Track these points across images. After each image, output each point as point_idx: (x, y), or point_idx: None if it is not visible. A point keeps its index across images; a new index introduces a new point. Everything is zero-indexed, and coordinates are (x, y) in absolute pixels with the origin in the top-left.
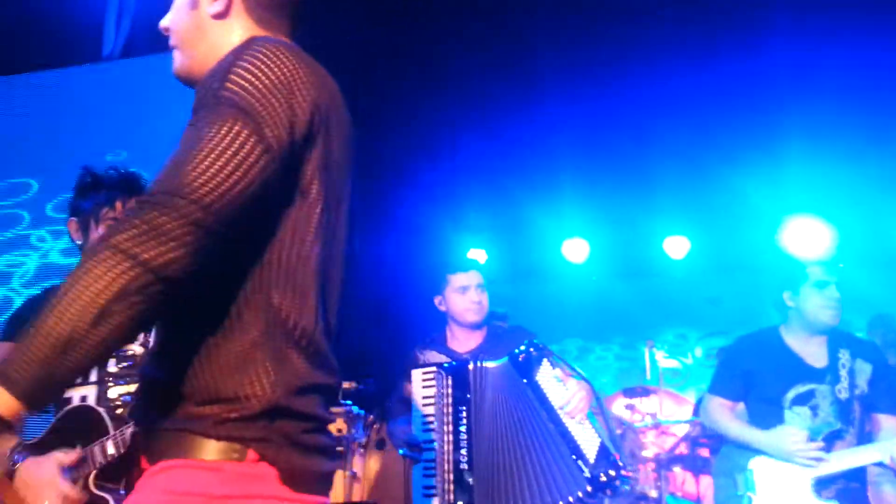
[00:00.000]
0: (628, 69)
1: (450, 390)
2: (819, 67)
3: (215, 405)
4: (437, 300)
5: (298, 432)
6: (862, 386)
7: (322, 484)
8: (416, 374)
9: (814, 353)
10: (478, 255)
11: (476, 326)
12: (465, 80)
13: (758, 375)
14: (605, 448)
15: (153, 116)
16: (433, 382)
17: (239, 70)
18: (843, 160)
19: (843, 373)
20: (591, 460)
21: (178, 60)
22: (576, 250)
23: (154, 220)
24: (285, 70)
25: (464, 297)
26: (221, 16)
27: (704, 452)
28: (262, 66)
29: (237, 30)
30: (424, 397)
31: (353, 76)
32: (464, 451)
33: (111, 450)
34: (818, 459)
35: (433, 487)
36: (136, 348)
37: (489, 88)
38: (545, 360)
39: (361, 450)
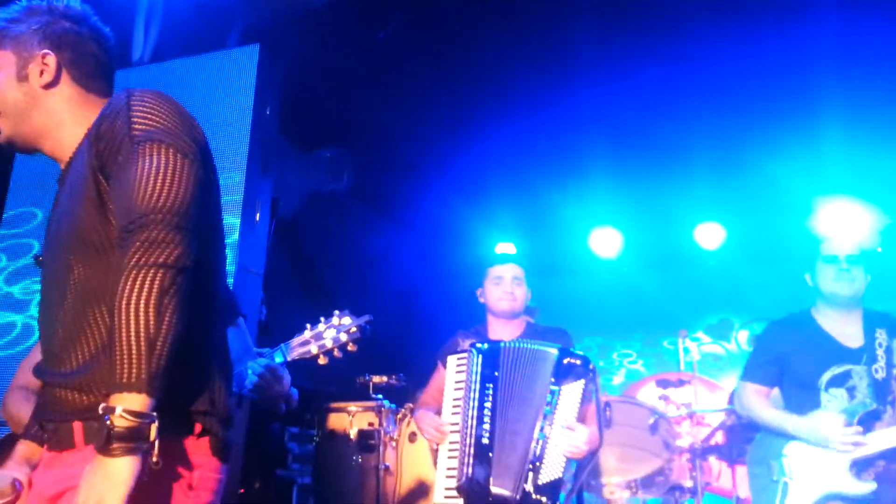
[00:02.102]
0: (658, 49)
1: (478, 368)
2: (854, 44)
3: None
4: (478, 292)
5: None
6: None
7: None
8: (452, 360)
9: (849, 333)
10: (507, 248)
11: (510, 317)
12: (488, 64)
13: (792, 359)
14: (557, 483)
15: None
16: (465, 366)
17: (137, 113)
18: (884, 141)
19: (881, 352)
20: (538, 482)
21: (7, 128)
22: (607, 241)
23: (148, 237)
24: (171, 103)
25: (497, 288)
26: (51, 85)
27: (739, 442)
28: (154, 104)
29: (67, 96)
30: (457, 381)
31: (377, 68)
32: (486, 426)
33: None
34: (857, 444)
35: (454, 469)
36: None
37: (512, 72)
38: (584, 382)
39: (393, 443)
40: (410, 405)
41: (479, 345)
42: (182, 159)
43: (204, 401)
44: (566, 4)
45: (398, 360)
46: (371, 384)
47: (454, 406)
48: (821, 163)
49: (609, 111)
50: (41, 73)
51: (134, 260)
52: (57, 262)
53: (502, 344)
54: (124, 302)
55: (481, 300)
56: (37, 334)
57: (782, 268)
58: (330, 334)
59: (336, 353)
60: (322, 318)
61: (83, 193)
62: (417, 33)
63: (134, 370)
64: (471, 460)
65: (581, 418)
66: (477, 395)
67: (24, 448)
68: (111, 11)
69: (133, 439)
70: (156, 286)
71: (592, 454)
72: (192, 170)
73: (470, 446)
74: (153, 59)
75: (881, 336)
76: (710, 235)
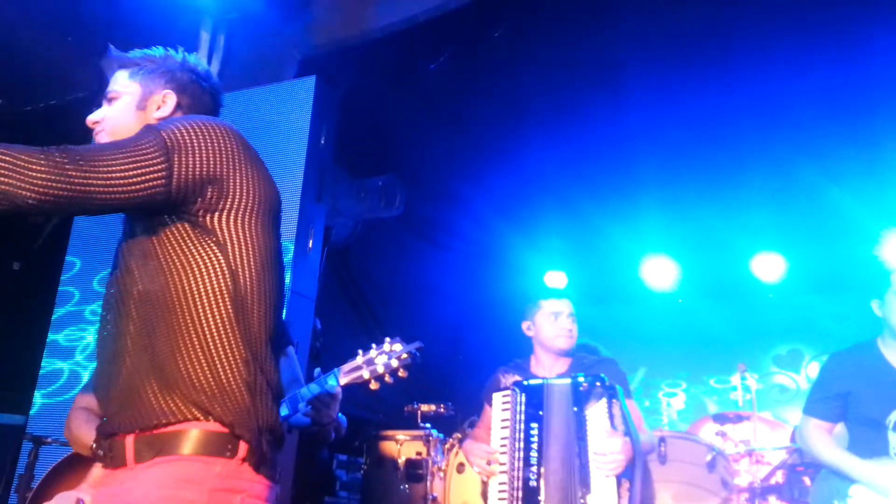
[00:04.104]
0: (713, 71)
1: (522, 408)
2: None
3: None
4: (525, 325)
5: None
6: None
7: None
8: (497, 398)
9: None
10: (557, 276)
11: (563, 354)
12: (537, 92)
13: (857, 396)
14: None
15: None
16: (510, 404)
17: (174, 123)
18: None
19: None
20: None
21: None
22: (660, 270)
23: (62, 163)
24: (212, 131)
25: (555, 324)
26: (169, 117)
27: (805, 481)
28: (193, 124)
29: None
30: (503, 420)
31: (428, 98)
32: (534, 469)
33: None
34: None
35: None
36: None
37: (561, 98)
38: (605, 399)
39: (441, 473)
40: (458, 435)
41: (523, 382)
42: (156, 155)
43: (251, 420)
44: (617, 29)
45: (446, 388)
46: (419, 413)
47: (501, 444)
48: (884, 188)
49: (662, 134)
50: (158, 107)
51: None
52: (120, 278)
53: (545, 382)
54: None
55: (529, 333)
56: (80, 384)
57: (854, 297)
58: (381, 360)
59: (387, 378)
60: (374, 345)
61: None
62: (467, 63)
63: None
64: None
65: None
66: (522, 435)
67: (97, 471)
68: (173, 44)
69: None
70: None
71: (632, 464)
72: (149, 167)
73: (518, 489)
74: None
75: None
76: (769, 266)
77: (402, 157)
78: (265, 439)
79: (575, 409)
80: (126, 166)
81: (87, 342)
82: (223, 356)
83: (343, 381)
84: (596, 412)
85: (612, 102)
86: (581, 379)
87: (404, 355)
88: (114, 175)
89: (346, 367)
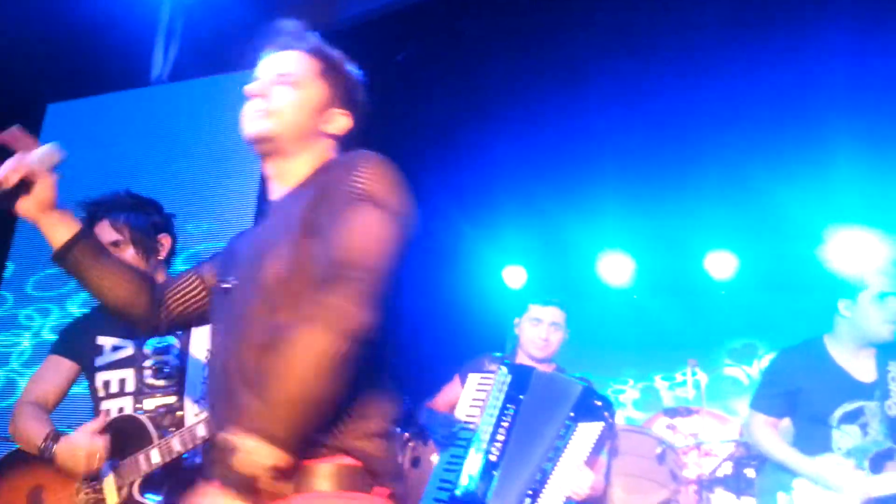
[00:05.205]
0: (669, 73)
1: (505, 387)
2: (865, 70)
3: None
4: (515, 321)
5: None
6: None
7: None
8: (474, 378)
9: (862, 366)
10: (517, 272)
11: (538, 361)
12: (497, 86)
13: (803, 393)
14: None
15: (204, 137)
16: (488, 385)
17: (362, 171)
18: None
19: (894, 387)
20: None
21: (270, 130)
22: (617, 266)
23: (343, 295)
24: (394, 172)
25: (533, 330)
26: (329, 136)
27: (749, 473)
28: (379, 168)
29: (329, 148)
30: (474, 399)
31: (390, 88)
32: (498, 445)
33: (156, 458)
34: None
35: (449, 482)
36: (172, 360)
37: (521, 94)
38: (603, 425)
39: None
40: (416, 430)
41: (511, 363)
42: (394, 227)
43: (393, 464)
44: (577, 26)
45: (402, 383)
46: None
47: (467, 417)
48: (830, 189)
49: (619, 132)
50: (329, 122)
51: (321, 315)
52: (246, 293)
53: (535, 371)
54: (293, 352)
55: (516, 331)
56: (16, 393)
57: (804, 294)
58: None
59: None
60: None
61: (292, 235)
62: (428, 56)
63: (277, 425)
64: (473, 473)
65: (590, 465)
66: (497, 411)
67: None
68: (130, 28)
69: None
70: (331, 351)
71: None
72: (398, 238)
73: (476, 459)
74: (172, 79)
75: (894, 370)
76: (722, 263)
77: (358, 148)
78: (397, 479)
79: (571, 414)
80: (382, 246)
81: (22, 347)
82: (361, 393)
83: None
84: (587, 431)
85: (571, 99)
86: (596, 392)
87: None
88: (382, 261)
89: None
